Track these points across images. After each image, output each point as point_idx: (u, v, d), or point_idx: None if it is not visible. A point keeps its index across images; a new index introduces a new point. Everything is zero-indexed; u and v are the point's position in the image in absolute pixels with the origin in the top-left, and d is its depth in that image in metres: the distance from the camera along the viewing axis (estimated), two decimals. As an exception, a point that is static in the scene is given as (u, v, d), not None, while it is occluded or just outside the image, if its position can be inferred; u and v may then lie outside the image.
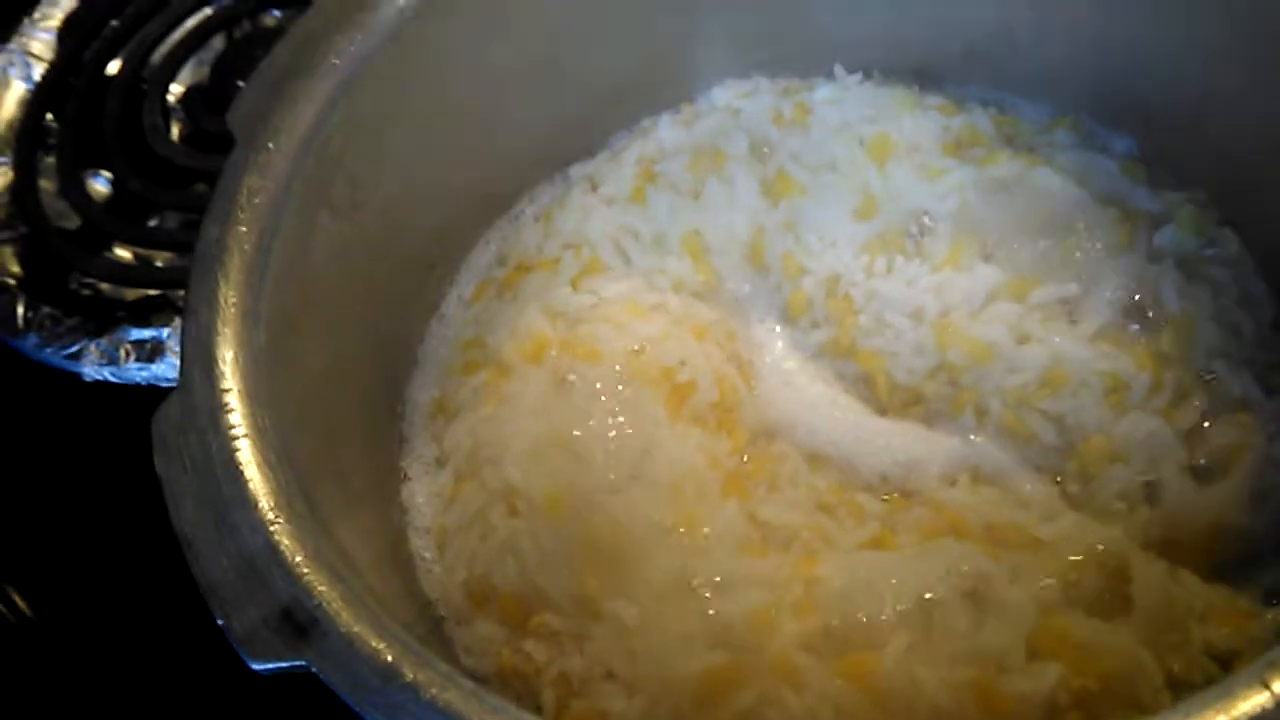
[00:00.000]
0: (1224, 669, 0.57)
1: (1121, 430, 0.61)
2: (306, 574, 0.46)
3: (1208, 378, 0.63)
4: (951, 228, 0.68)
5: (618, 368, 0.66)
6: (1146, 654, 0.56)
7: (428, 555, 0.64)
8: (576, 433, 0.64)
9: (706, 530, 0.60)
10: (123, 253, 0.97)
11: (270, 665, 0.45)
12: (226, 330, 0.53)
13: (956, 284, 0.66)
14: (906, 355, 0.66)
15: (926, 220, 0.69)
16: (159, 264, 0.96)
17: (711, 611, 0.57)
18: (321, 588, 0.46)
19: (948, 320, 0.66)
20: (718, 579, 0.58)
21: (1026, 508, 0.63)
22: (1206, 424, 0.62)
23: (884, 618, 0.56)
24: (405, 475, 0.68)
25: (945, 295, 0.66)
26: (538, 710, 0.58)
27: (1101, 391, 0.62)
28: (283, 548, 0.47)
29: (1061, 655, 0.55)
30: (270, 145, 0.58)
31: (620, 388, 0.65)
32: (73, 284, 0.94)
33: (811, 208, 0.70)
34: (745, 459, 0.66)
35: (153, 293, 0.93)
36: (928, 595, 0.57)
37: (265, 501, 0.48)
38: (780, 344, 0.72)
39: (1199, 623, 0.57)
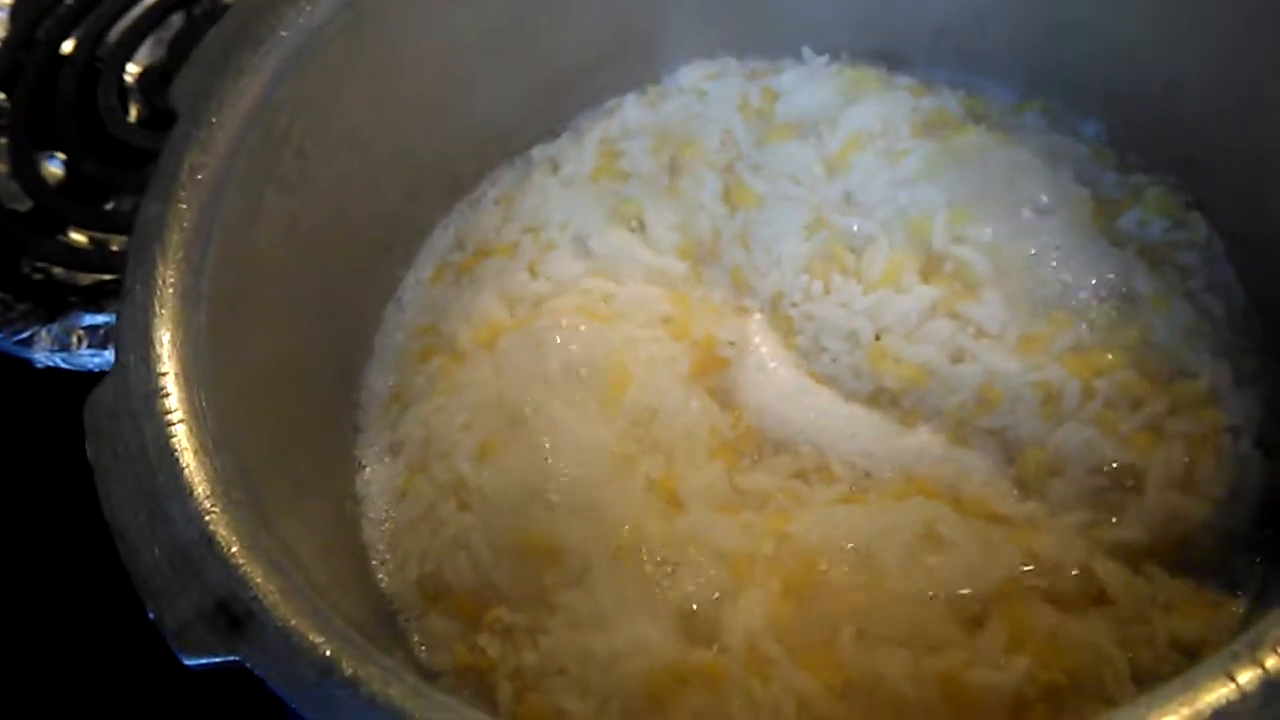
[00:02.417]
0: (1191, 660, 0.56)
1: (1055, 441, 0.60)
2: (243, 565, 0.44)
3: (1174, 370, 0.62)
4: (901, 228, 0.67)
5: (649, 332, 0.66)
6: (1112, 646, 0.55)
7: (381, 548, 0.63)
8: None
9: (687, 491, 0.61)
10: (77, 236, 0.95)
11: (203, 660, 0.43)
12: (164, 311, 0.51)
13: (891, 305, 0.65)
14: (845, 379, 0.66)
15: (879, 218, 0.68)
16: (114, 248, 0.94)
17: (672, 581, 0.56)
18: (258, 579, 0.44)
19: (883, 344, 0.65)
20: (689, 537, 0.58)
21: (994, 490, 0.62)
22: (1170, 423, 0.61)
23: (853, 563, 0.57)
24: (360, 464, 0.67)
25: (879, 317, 0.65)
26: (494, 704, 0.56)
27: (1037, 403, 0.61)
28: (218, 538, 0.45)
29: (1028, 647, 0.54)
30: (214, 120, 0.56)
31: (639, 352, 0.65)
32: (24, 268, 0.92)
33: (764, 221, 0.69)
34: (737, 435, 0.65)
35: (107, 277, 0.90)
36: (897, 542, 0.57)
37: (201, 490, 0.46)
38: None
39: (1164, 614, 0.56)
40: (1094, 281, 0.64)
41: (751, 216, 0.70)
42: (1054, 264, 0.64)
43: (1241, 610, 0.57)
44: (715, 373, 0.66)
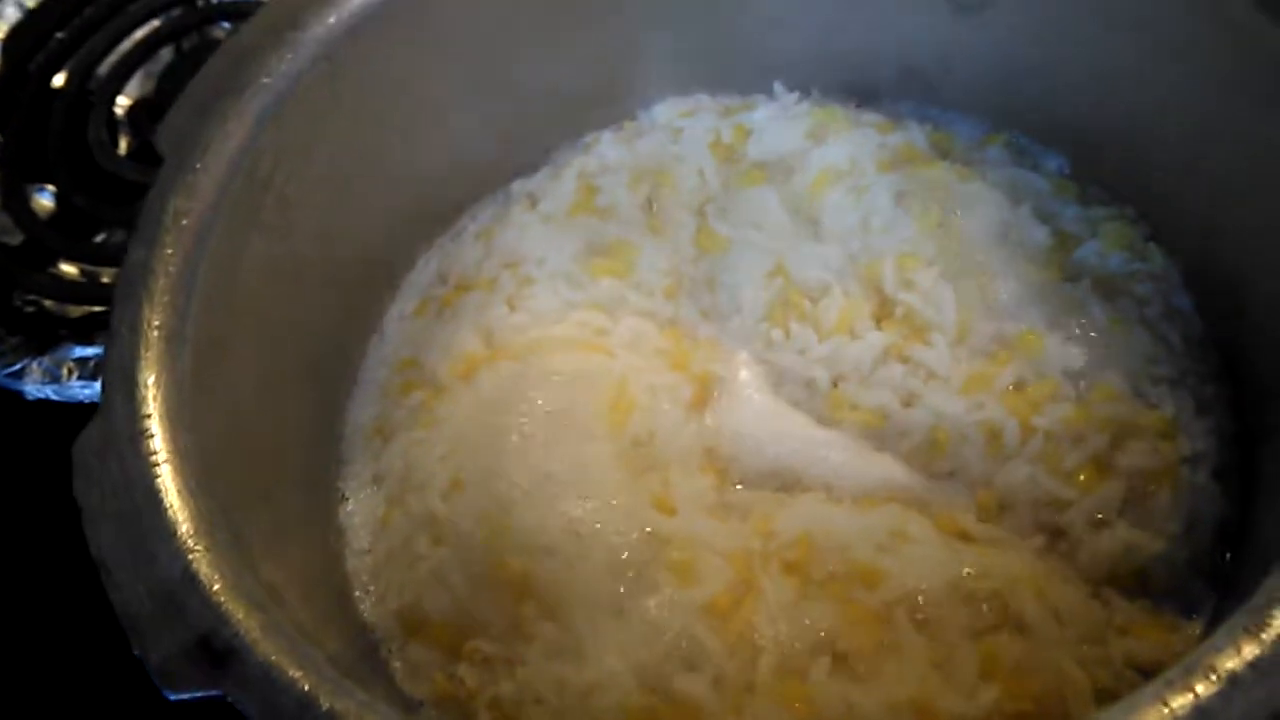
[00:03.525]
0: (1147, 679, 0.58)
1: (1001, 480, 0.62)
2: (224, 602, 0.45)
3: (1131, 400, 0.63)
4: (854, 275, 0.69)
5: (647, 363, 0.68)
6: (1074, 667, 0.56)
7: (364, 578, 0.64)
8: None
9: (680, 500, 0.63)
10: (68, 268, 0.96)
11: (185, 695, 0.44)
12: (149, 354, 0.52)
13: (846, 352, 0.66)
14: None
15: (834, 265, 0.69)
16: (105, 280, 0.95)
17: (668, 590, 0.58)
18: (239, 616, 0.45)
19: (839, 391, 0.66)
20: (684, 540, 0.60)
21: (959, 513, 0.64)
22: (1123, 456, 0.61)
23: (834, 555, 0.59)
24: (343, 496, 0.68)
25: (835, 365, 0.67)
26: (475, 731, 0.58)
27: (982, 443, 0.63)
28: (201, 576, 0.46)
29: (997, 677, 0.56)
30: (198, 166, 0.58)
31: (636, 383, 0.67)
32: (15, 300, 0.93)
33: (728, 266, 0.71)
34: (723, 458, 0.66)
35: (98, 309, 0.92)
36: (870, 539, 0.60)
37: (184, 529, 0.47)
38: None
39: (1120, 636, 0.57)
40: (1044, 315, 0.65)
41: (717, 262, 0.72)
42: (1005, 301, 0.66)
43: (1197, 632, 0.58)
44: (708, 401, 0.68)
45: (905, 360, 0.66)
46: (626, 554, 0.60)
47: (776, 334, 0.68)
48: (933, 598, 0.58)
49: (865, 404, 0.65)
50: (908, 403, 0.65)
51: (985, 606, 0.58)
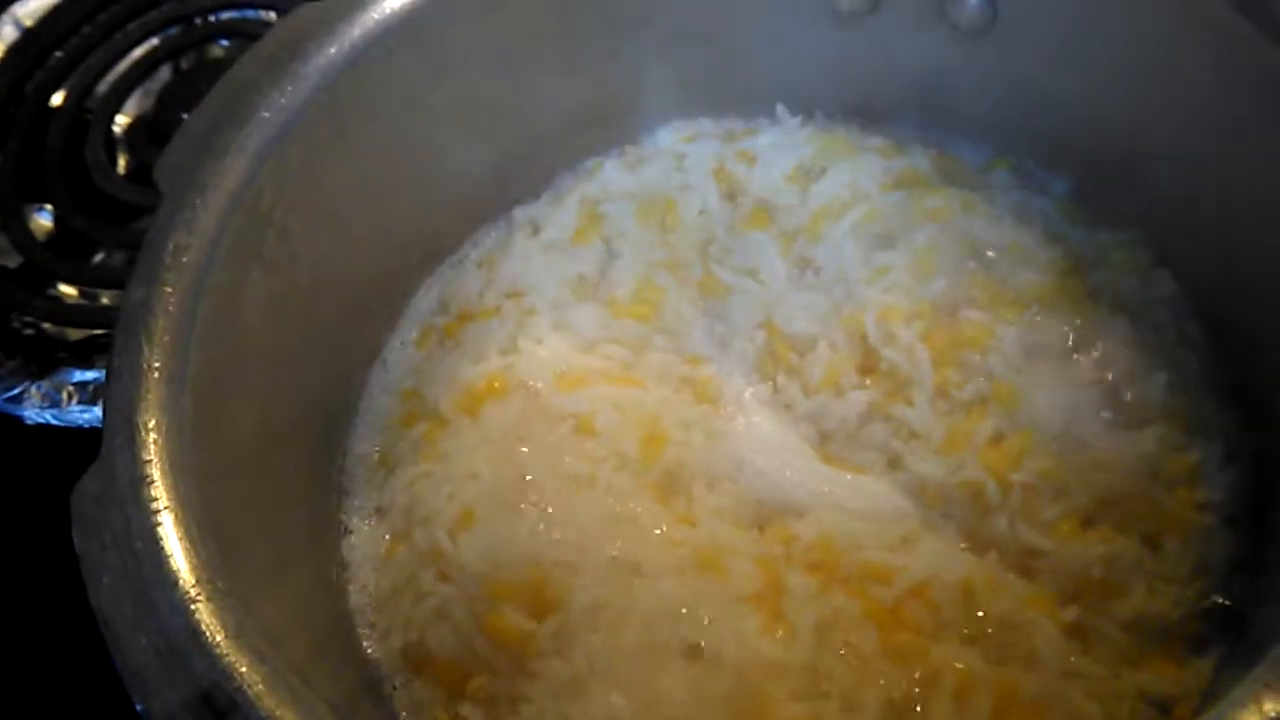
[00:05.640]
0: (1164, 714, 0.57)
1: (986, 535, 0.61)
2: (227, 656, 0.45)
3: (1140, 450, 0.62)
4: (839, 327, 0.68)
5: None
6: (1089, 703, 0.56)
7: (368, 614, 0.63)
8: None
9: (700, 516, 0.63)
10: (67, 290, 0.96)
11: (189, 751, 0.44)
12: (150, 397, 0.52)
13: (832, 410, 0.66)
14: None
15: (819, 312, 0.69)
16: (105, 302, 0.95)
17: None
18: (243, 669, 0.45)
19: (827, 450, 0.66)
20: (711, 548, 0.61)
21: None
22: (1124, 503, 0.61)
23: (858, 552, 0.60)
24: (345, 529, 0.67)
25: (822, 423, 0.66)
26: (479, 770, 0.57)
27: (968, 503, 0.62)
28: (203, 628, 0.46)
29: (1011, 715, 0.55)
30: (198, 201, 0.57)
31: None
32: (14, 323, 0.92)
33: (723, 315, 0.70)
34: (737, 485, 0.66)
35: (97, 332, 0.91)
36: (881, 540, 0.61)
37: (186, 579, 0.47)
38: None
39: (1132, 670, 0.57)
40: (1033, 360, 0.64)
41: (716, 307, 0.71)
42: (987, 349, 0.65)
43: (1209, 667, 0.58)
44: (728, 430, 0.67)
45: (888, 419, 0.65)
46: (661, 575, 0.59)
47: (764, 389, 0.68)
48: (942, 594, 0.58)
49: (852, 463, 0.65)
50: (893, 465, 0.64)
51: (990, 628, 0.58)
